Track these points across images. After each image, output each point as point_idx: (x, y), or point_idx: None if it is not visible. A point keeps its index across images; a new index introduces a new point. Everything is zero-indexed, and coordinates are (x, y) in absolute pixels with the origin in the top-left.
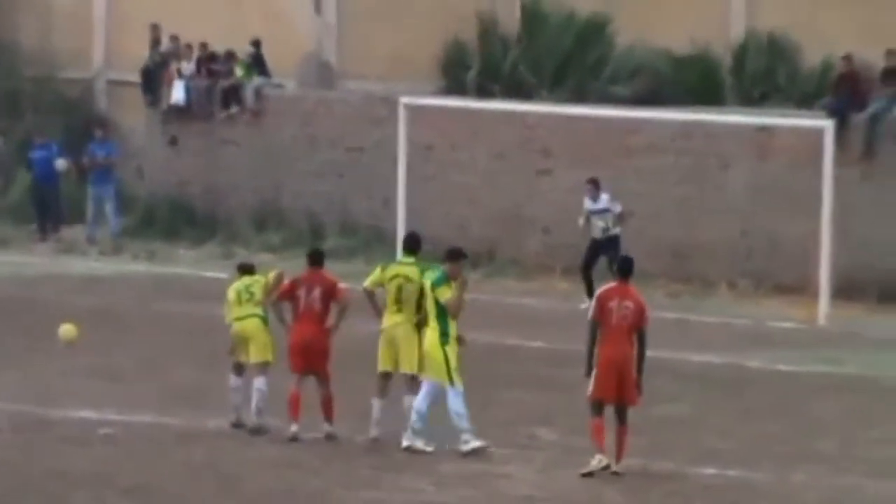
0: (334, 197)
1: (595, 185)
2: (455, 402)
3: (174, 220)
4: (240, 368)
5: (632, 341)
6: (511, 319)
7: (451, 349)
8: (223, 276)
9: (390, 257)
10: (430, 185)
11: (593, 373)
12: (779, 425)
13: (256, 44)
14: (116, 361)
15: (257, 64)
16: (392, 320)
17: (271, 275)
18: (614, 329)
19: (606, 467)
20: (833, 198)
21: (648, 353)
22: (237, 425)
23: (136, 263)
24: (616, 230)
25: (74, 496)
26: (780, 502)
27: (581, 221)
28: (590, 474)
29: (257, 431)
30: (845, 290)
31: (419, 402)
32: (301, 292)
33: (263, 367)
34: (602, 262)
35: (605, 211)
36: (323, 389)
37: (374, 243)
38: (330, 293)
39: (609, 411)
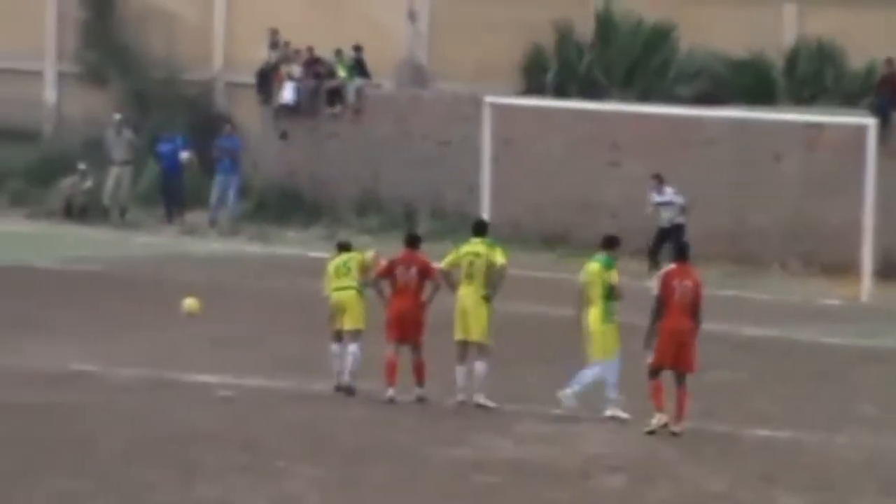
0: (426, 185)
1: (659, 180)
2: (612, 374)
3: (284, 206)
4: (339, 336)
5: (690, 315)
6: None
7: (614, 328)
8: (327, 255)
9: None
10: (511, 176)
11: (654, 341)
12: (824, 392)
13: (358, 49)
14: (232, 331)
15: (358, 67)
16: (464, 291)
17: (368, 255)
18: (676, 304)
19: (665, 425)
20: (875, 187)
21: (707, 325)
22: (339, 388)
23: (251, 244)
24: (680, 220)
25: (196, 450)
26: (825, 460)
27: (649, 211)
28: (651, 432)
29: (348, 391)
30: (886, 271)
31: (609, 378)
32: (399, 270)
33: (357, 334)
34: (667, 248)
35: (669, 203)
36: (416, 356)
37: (460, 227)
38: (424, 272)
39: (668, 377)
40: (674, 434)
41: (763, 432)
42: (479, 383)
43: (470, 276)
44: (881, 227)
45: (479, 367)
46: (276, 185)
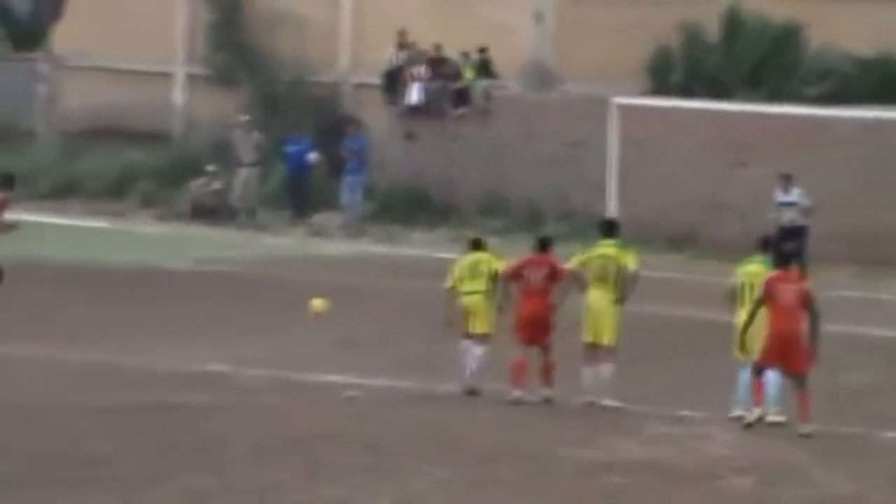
0: (552, 187)
1: (787, 180)
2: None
3: (410, 207)
4: (468, 335)
5: (800, 317)
6: (712, 297)
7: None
8: (453, 256)
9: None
10: (637, 176)
11: (764, 343)
12: None
13: (483, 50)
14: (358, 332)
15: (484, 68)
16: (595, 294)
17: (501, 265)
18: (784, 307)
19: (761, 419)
20: None
21: (834, 327)
22: (466, 391)
23: (377, 245)
24: (803, 221)
25: (322, 449)
26: None
27: (772, 215)
28: (750, 425)
29: (473, 392)
30: None
31: (776, 381)
32: (528, 272)
33: (485, 338)
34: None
35: (794, 203)
36: (545, 358)
37: (587, 228)
38: (553, 273)
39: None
40: (804, 436)
41: (893, 434)
42: (606, 385)
43: (602, 279)
44: None
45: (607, 369)
46: (401, 186)
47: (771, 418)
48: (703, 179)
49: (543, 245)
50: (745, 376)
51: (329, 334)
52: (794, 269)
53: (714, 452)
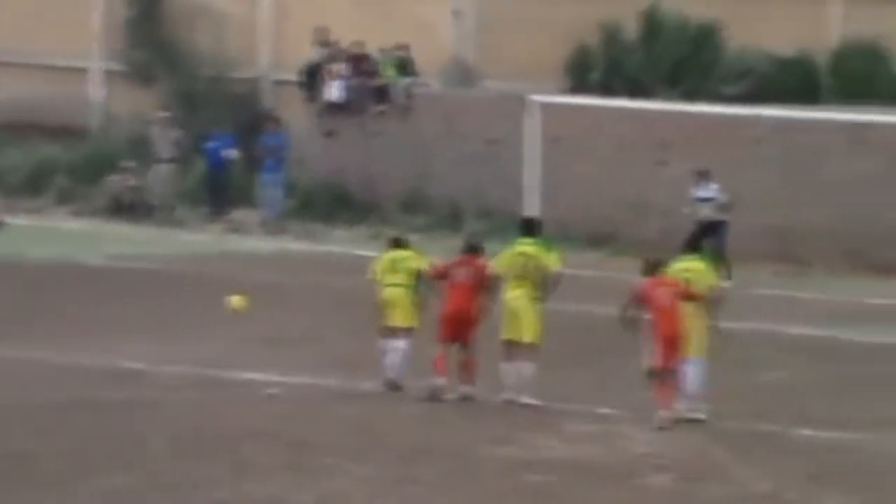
0: (473, 184)
1: (703, 175)
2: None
3: (330, 205)
4: (388, 332)
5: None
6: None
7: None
8: (374, 254)
9: None
10: (558, 174)
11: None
12: (873, 392)
13: (404, 47)
14: (279, 330)
15: (405, 65)
16: (515, 293)
17: (424, 266)
18: (663, 308)
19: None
20: None
21: (754, 325)
22: (387, 385)
23: (297, 242)
24: (721, 217)
25: (245, 447)
26: (874, 461)
27: (687, 209)
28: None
29: (395, 387)
30: None
31: (700, 378)
32: (454, 271)
33: (408, 332)
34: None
35: (710, 199)
36: (465, 355)
37: (507, 226)
38: (480, 275)
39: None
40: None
41: (811, 432)
42: (525, 383)
43: (521, 277)
44: None
45: (527, 367)
46: (322, 183)
47: (690, 415)
48: (623, 178)
49: (472, 249)
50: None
51: (250, 332)
52: (665, 275)
53: (634, 450)
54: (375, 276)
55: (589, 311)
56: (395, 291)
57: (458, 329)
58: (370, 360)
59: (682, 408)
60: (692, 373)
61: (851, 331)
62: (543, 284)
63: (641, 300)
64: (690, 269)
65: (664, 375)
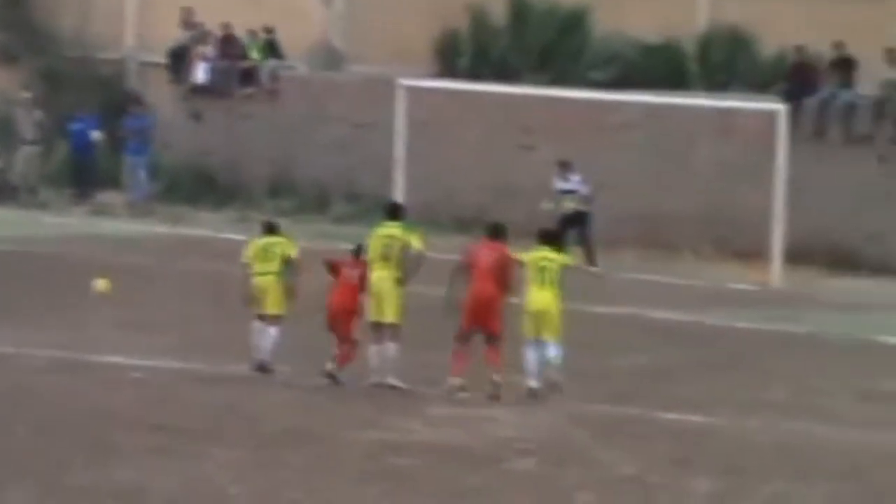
0: (340, 168)
1: (565, 167)
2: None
3: (196, 188)
4: (260, 317)
5: (494, 282)
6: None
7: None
8: (240, 237)
9: None
10: (426, 159)
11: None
12: (735, 376)
13: (270, 30)
14: (144, 313)
15: (272, 48)
16: (379, 274)
17: (294, 254)
18: (482, 271)
19: (462, 388)
20: (786, 173)
21: (619, 309)
22: (256, 367)
23: (162, 226)
24: (584, 208)
25: (109, 432)
26: (736, 444)
27: (545, 205)
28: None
29: (263, 369)
30: (797, 256)
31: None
32: (344, 271)
33: (277, 319)
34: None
35: (573, 191)
36: (346, 346)
37: (375, 210)
38: (364, 276)
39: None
40: (495, 384)
41: (675, 416)
42: (391, 365)
43: (385, 259)
44: (792, 212)
45: (392, 348)
46: (188, 166)
47: (533, 384)
48: (490, 162)
49: (358, 252)
50: (529, 351)
51: (115, 315)
52: (496, 242)
53: (499, 434)
54: (247, 262)
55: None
56: (266, 279)
57: (339, 322)
58: (238, 344)
59: (535, 384)
60: (552, 351)
61: (715, 315)
62: (406, 267)
63: (466, 261)
64: (546, 257)
65: (462, 340)
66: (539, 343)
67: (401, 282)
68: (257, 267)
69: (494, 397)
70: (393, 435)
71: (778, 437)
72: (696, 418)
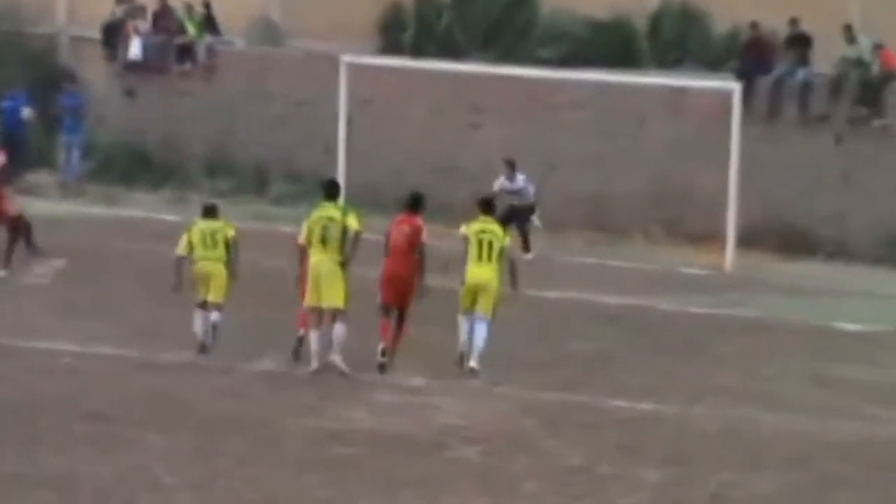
0: (280, 147)
1: (511, 167)
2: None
3: (131, 167)
4: (202, 304)
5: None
6: (438, 262)
7: None
8: (176, 218)
9: None
10: (369, 137)
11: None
12: (685, 362)
13: (207, 5)
14: (77, 297)
15: (209, 23)
16: (318, 257)
17: (231, 233)
18: (396, 247)
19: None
20: (740, 154)
21: (566, 293)
22: (200, 349)
23: (96, 206)
24: (528, 202)
25: (41, 419)
26: (685, 433)
27: (536, 222)
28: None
29: (203, 349)
30: (750, 239)
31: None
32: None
33: (220, 307)
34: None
35: (518, 192)
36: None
37: (315, 190)
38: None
39: None
40: (383, 357)
41: (623, 404)
42: (337, 344)
43: (324, 242)
44: (745, 194)
45: (338, 329)
46: (122, 144)
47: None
48: (435, 142)
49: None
50: (463, 324)
51: (46, 299)
52: (413, 216)
53: (443, 422)
54: (182, 253)
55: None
56: (212, 266)
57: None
58: (172, 330)
59: (474, 364)
60: (479, 330)
61: (665, 300)
62: (347, 249)
63: (387, 235)
64: (486, 230)
65: (383, 312)
66: (470, 316)
67: (343, 265)
68: (200, 252)
69: (380, 367)
70: (335, 423)
71: (727, 424)
72: (645, 406)
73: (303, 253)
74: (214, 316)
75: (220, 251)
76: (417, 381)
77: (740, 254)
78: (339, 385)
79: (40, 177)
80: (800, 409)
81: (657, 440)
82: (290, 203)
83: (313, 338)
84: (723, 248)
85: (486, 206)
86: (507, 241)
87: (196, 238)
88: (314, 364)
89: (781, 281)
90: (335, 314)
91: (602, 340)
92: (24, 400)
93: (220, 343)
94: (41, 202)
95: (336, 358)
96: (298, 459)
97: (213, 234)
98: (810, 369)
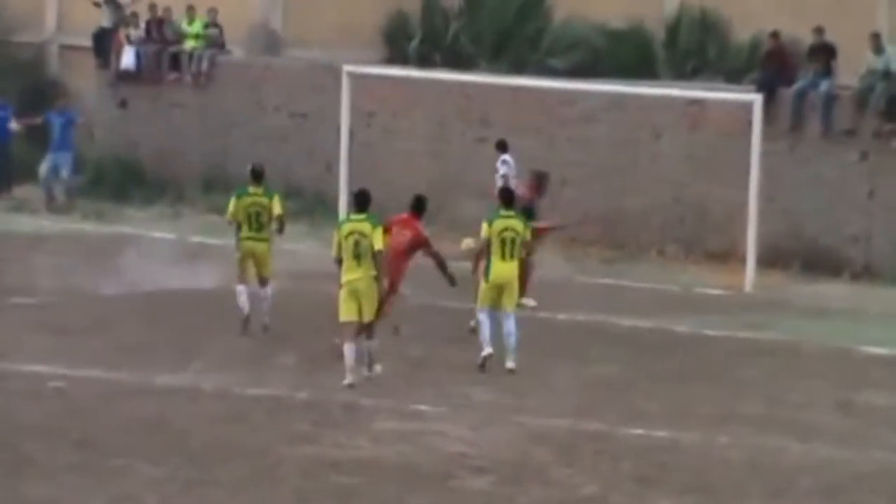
0: (279, 161)
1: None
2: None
3: (123, 182)
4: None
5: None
6: (440, 282)
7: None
8: (171, 236)
9: (332, 220)
10: (372, 151)
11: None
12: (705, 388)
13: (208, 13)
14: (67, 318)
15: (207, 32)
16: (353, 275)
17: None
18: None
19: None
20: (761, 169)
21: (582, 316)
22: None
23: (86, 222)
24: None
25: (26, 445)
26: (705, 461)
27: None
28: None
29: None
30: (771, 259)
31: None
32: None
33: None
34: None
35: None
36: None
37: (316, 207)
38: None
39: None
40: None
41: (640, 431)
42: (372, 357)
43: (357, 258)
44: (766, 212)
45: (373, 344)
46: (114, 158)
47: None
48: (442, 156)
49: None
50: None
51: (34, 319)
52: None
53: (450, 450)
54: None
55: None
56: (256, 245)
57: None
58: (164, 353)
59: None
60: (509, 326)
61: (684, 322)
62: (377, 266)
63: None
64: (510, 227)
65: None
66: (491, 314)
67: (377, 279)
68: (245, 232)
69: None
70: (334, 451)
71: (749, 453)
72: (663, 433)
73: (339, 265)
74: (269, 290)
75: (265, 230)
76: (421, 406)
77: (761, 274)
78: (339, 411)
79: (28, 192)
80: (825, 437)
81: (676, 469)
82: (289, 219)
83: (348, 351)
84: (743, 267)
85: (508, 197)
86: (528, 233)
87: (242, 217)
88: (349, 378)
89: (804, 302)
90: (368, 329)
91: (617, 364)
92: (9, 426)
93: (214, 365)
94: (27, 218)
95: (373, 374)
96: (296, 489)
97: (258, 217)
98: (836, 396)
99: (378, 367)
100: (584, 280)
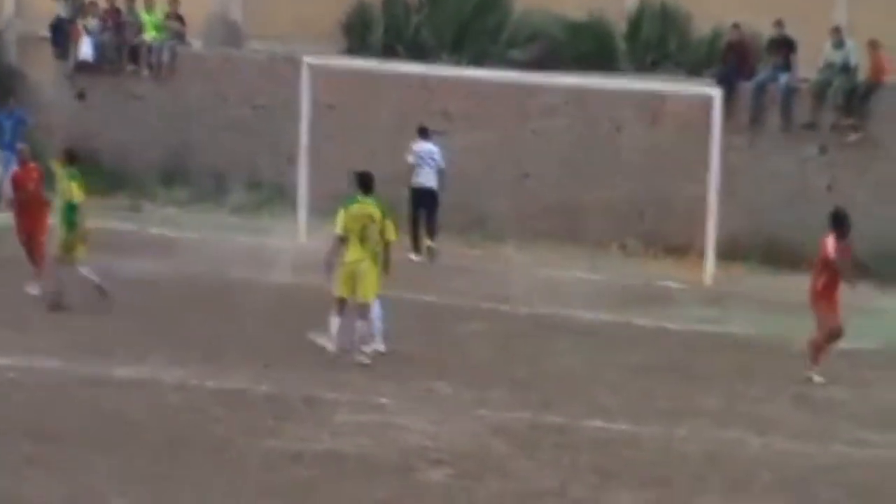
0: (240, 153)
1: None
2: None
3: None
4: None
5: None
6: (402, 274)
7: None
8: (131, 228)
9: (293, 213)
10: (333, 144)
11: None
12: (664, 381)
13: (169, 3)
14: (24, 309)
15: (167, 22)
16: (356, 256)
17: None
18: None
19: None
20: (720, 163)
21: (542, 310)
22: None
23: None
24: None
25: None
26: (665, 455)
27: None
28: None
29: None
30: (731, 252)
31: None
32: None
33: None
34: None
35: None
36: None
37: (277, 199)
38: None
39: None
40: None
41: (599, 424)
42: (361, 339)
43: (363, 241)
44: (726, 205)
45: (362, 325)
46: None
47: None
48: (402, 148)
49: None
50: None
51: None
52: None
53: (410, 443)
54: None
55: None
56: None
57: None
58: (122, 344)
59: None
60: (374, 313)
61: (643, 315)
62: (381, 257)
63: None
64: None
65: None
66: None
67: (376, 259)
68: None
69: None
70: (294, 444)
71: (708, 446)
72: (623, 427)
73: (338, 243)
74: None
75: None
76: (382, 399)
77: (721, 267)
78: (300, 404)
79: None
80: (785, 430)
81: (635, 463)
82: (249, 212)
83: (335, 322)
84: (702, 261)
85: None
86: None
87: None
88: (330, 347)
89: (764, 295)
90: (361, 309)
91: (577, 358)
92: None
93: (175, 358)
94: None
95: (363, 357)
96: (256, 482)
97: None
98: (795, 389)
99: (366, 357)
100: (543, 273)
